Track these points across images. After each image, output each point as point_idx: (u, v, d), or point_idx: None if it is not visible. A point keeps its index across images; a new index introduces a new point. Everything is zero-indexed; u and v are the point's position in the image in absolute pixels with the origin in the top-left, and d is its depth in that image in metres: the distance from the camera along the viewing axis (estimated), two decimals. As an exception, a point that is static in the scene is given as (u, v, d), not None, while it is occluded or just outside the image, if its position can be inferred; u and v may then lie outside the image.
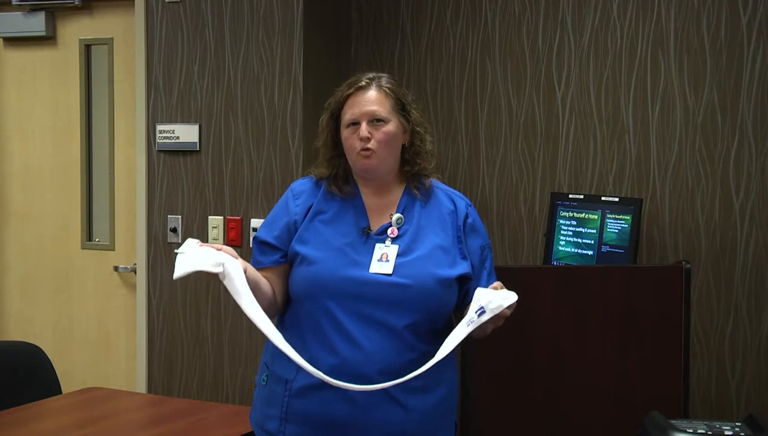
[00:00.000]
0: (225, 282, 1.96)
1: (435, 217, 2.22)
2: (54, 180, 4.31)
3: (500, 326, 2.09)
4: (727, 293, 3.48)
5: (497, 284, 2.05)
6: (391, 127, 2.17)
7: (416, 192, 2.23)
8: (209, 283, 3.82)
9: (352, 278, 2.11)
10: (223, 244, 3.75)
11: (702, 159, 3.51)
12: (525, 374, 2.90)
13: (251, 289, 2.04)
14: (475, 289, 2.19)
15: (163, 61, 3.89)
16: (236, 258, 2.02)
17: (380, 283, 2.10)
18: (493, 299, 1.97)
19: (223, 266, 1.95)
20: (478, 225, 2.26)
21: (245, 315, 2.00)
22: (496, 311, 1.96)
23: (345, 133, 2.19)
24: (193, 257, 1.94)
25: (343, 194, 2.22)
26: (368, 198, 2.23)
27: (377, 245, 2.15)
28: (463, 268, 2.18)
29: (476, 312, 1.98)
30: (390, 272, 2.11)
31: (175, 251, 1.98)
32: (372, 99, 2.17)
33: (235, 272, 1.96)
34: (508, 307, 1.98)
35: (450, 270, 2.15)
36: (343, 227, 2.18)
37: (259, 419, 2.22)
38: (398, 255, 2.13)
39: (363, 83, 2.20)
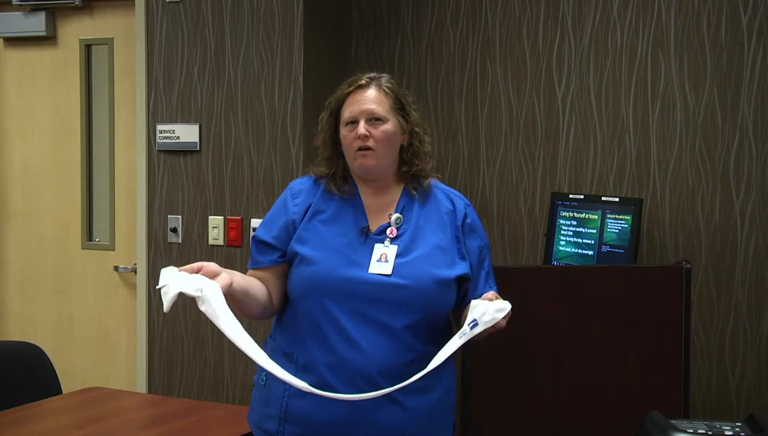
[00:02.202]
0: (203, 308, 1.94)
1: (434, 217, 2.21)
2: (54, 180, 4.31)
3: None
4: (727, 293, 3.48)
5: (492, 293, 2.03)
6: (389, 126, 2.17)
7: (414, 192, 2.23)
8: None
9: (351, 278, 2.10)
10: (224, 244, 3.79)
11: (702, 159, 3.51)
12: (525, 375, 2.90)
13: (241, 297, 2.03)
14: (474, 289, 2.19)
15: (163, 61, 3.89)
16: (219, 274, 1.96)
17: (379, 283, 2.10)
18: (486, 311, 1.96)
19: (201, 290, 1.93)
20: (476, 225, 2.26)
21: (225, 335, 1.97)
22: (489, 324, 1.96)
23: (343, 131, 2.19)
24: (174, 284, 1.92)
25: (341, 194, 2.22)
26: (367, 198, 2.22)
27: (376, 245, 2.15)
28: (461, 268, 2.17)
29: (469, 325, 1.97)
30: (389, 272, 2.11)
31: (157, 287, 1.96)
32: (371, 98, 2.17)
33: (213, 296, 1.94)
34: (504, 317, 1.97)
35: (449, 270, 2.15)
36: (342, 227, 2.18)
37: (258, 419, 2.22)
38: (397, 255, 2.13)
39: (363, 82, 2.20)
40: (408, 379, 2.00)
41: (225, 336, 1.93)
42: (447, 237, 2.19)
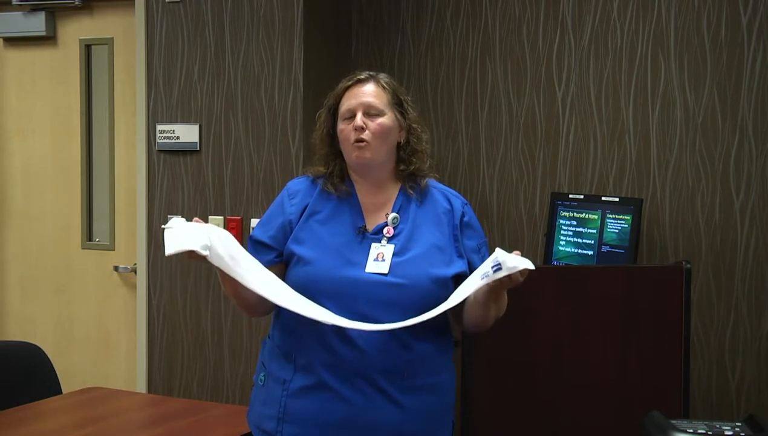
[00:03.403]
0: (214, 262, 1.96)
1: (431, 216, 2.21)
2: (54, 180, 4.31)
3: (503, 312, 2.09)
4: (727, 293, 3.48)
5: (517, 252, 2.01)
6: (386, 120, 2.17)
7: (411, 191, 2.23)
8: (209, 282, 3.83)
9: (348, 277, 2.10)
10: (223, 244, 3.79)
11: (702, 159, 3.51)
12: (525, 375, 2.90)
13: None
14: None
15: (163, 61, 3.89)
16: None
17: (376, 282, 2.10)
18: (510, 259, 1.94)
19: (209, 249, 1.94)
20: (474, 223, 2.26)
21: (248, 289, 2.01)
22: (512, 271, 1.93)
23: (341, 125, 2.19)
24: (182, 234, 1.92)
25: (338, 193, 2.22)
26: (364, 197, 2.22)
27: (373, 245, 2.15)
28: (459, 267, 2.17)
29: (492, 267, 1.95)
30: (386, 271, 2.11)
31: (162, 226, 1.97)
32: (369, 92, 2.18)
33: (225, 245, 1.95)
34: (522, 272, 1.95)
35: (446, 269, 2.15)
36: (339, 227, 2.18)
37: (257, 419, 2.22)
38: (394, 254, 2.13)
39: (362, 77, 2.22)
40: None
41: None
42: (444, 236, 2.19)
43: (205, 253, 1.93)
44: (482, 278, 1.97)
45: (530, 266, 1.94)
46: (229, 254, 1.98)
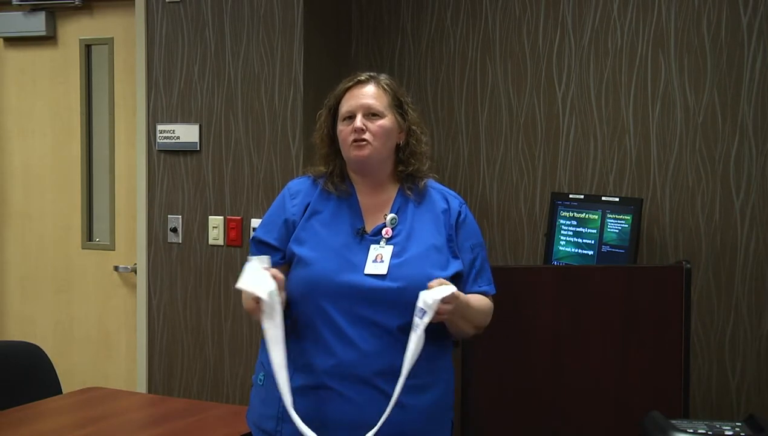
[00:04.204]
0: (265, 309, 2.00)
1: (429, 217, 2.22)
2: (54, 180, 4.31)
3: (484, 318, 2.10)
4: (727, 293, 3.48)
5: (435, 281, 2.04)
6: (386, 121, 2.18)
7: (409, 192, 2.23)
8: (209, 283, 3.83)
9: (347, 279, 2.11)
10: (224, 244, 3.80)
11: (702, 159, 3.51)
12: (525, 375, 2.90)
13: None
14: (461, 289, 2.19)
15: (163, 61, 3.89)
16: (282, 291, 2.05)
17: (374, 284, 2.10)
18: (428, 295, 1.97)
19: (271, 297, 1.99)
20: (470, 224, 2.26)
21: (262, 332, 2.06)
22: (435, 308, 1.96)
23: (341, 126, 2.20)
24: (257, 278, 2.00)
25: (338, 193, 2.22)
26: (363, 198, 2.23)
27: (372, 246, 2.15)
28: (456, 267, 2.17)
29: (418, 315, 1.98)
30: (384, 272, 2.11)
31: (249, 257, 2.07)
32: (369, 93, 2.19)
33: (274, 303, 2.00)
34: (444, 300, 1.97)
35: (443, 270, 2.15)
36: (339, 228, 2.18)
37: (256, 418, 2.22)
38: (393, 256, 2.13)
39: (362, 78, 2.22)
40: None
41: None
42: (441, 236, 2.20)
43: (266, 298, 1.98)
44: (415, 331, 1.99)
45: (446, 292, 1.96)
46: (272, 316, 2.02)
